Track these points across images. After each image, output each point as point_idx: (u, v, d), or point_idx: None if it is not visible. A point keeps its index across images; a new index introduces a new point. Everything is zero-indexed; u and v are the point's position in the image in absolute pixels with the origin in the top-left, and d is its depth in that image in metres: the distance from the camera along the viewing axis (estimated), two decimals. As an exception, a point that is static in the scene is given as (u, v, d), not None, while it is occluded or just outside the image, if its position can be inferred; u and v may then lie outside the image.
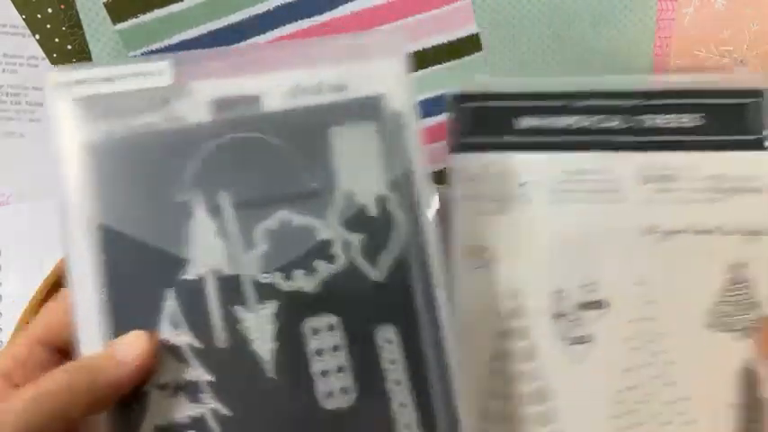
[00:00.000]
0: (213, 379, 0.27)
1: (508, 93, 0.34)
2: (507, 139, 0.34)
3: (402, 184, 0.29)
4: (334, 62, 0.29)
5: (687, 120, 0.33)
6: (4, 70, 0.60)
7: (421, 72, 0.41)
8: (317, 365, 0.28)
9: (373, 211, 0.29)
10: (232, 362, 0.27)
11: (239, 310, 0.28)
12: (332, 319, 0.28)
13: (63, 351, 0.29)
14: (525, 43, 0.40)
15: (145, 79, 0.29)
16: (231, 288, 0.28)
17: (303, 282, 0.28)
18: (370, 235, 0.29)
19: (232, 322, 0.28)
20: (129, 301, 0.28)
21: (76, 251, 0.29)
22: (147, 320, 0.27)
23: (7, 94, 0.60)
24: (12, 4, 0.38)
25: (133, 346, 0.27)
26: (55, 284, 0.45)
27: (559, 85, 0.34)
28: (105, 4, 0.39)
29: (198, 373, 0.27)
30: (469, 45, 0.40)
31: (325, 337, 0.28)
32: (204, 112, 0.29)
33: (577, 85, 0.34)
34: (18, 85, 0.61)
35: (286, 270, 0.28)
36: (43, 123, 0.60)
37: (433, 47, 0.41)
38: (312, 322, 0.28)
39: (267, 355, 0.28)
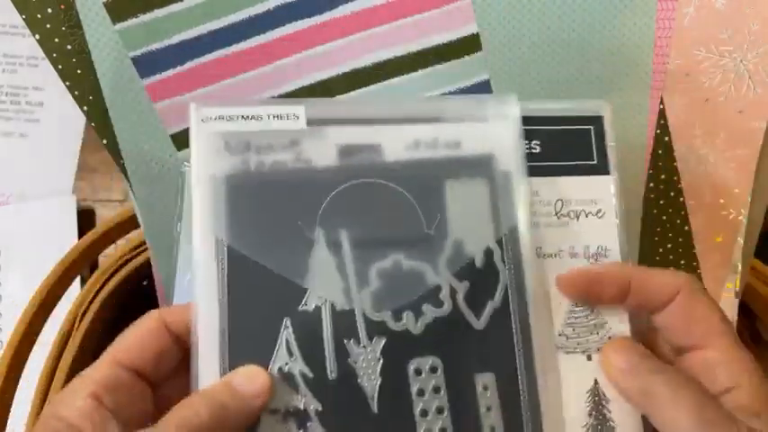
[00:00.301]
0: (321, 408, 0.29)
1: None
2: None
3: (508, 240, 0.31)
4: (452, 120, 0.32)
5: (527, 147, 0.34)
6: (4, 70, 0.60)
7: (421, 72, 0.41)
8: (418, 405, 0.29)
9: (480, 262, 0.31)
10: (340, 393, 0.29)
11: (350, 345, 0.29)
12: (435, 361, 0.30)
13: (142, 374, 0.30)
14: (525, 43, 0.40)
15: (281, 121, 0.31)
16: (344, 322, 0.30)
17: (411, 323, 0.30)
18: (475, 284, 0.30)
19: (343, 355, 0.29)
20: (250, 326, 0.29)
21: (203, 272, 0.30)
22: (265, 346, 0.29)
23: (7, 94, 0.60)
24: (12, 4, 0.38)
25: (255, 382, 0.28)
26: (55, 285, 0.45)
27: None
28: (105, 4, 0.39)
29: (308, 401, 0.29)
30: (469, 45, 0.40)
31: (427, 379, 0.30)
32: (331, 155, 0.31)
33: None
34: (18, 85, 0.61)
35: (396, 310, 0.30)
36: (43, 123, 0.60)
37: (433, 47, 0.41)
38: (417, 363, 0.30)
39: (373, 390, 0.29)
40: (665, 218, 0.43)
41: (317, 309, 0.29)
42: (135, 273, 0.48)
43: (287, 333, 0.29)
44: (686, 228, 0.43)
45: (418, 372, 0.29)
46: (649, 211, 0.43)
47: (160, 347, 0.30)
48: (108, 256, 0.50)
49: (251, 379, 0.28)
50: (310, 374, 0.29)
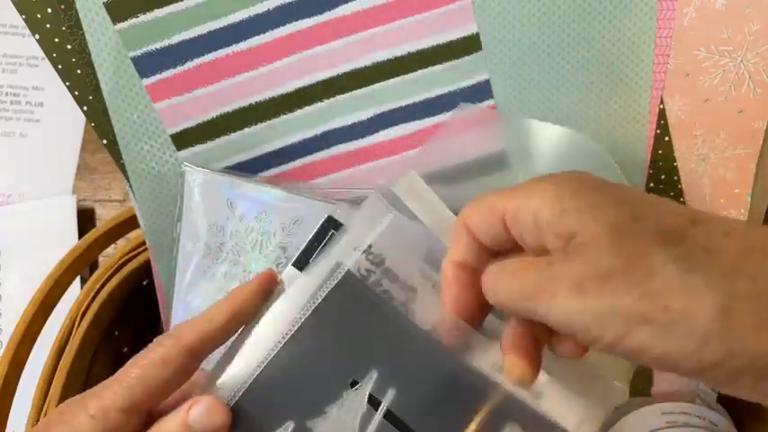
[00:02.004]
0: None
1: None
2: None
3: None
4: None
5: None
6: (4, 70, 0.60)
7: (421, 72, 0.41)
8: None
9: None
10: None
11: None
12: None
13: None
14: (525, 43, 0.40)
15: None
16: None
17: None
18: None
19: None
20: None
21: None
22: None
23: (7, 94, 0.60)
24: (12, 4, 0.38)
25: (211, 416, 0.28)
26: (55, 285, 0.45)
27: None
28: (105, 4, 0.39)
29: None
30: (469, 45, 0.40)
31: None
32: None
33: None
34: (18, 85, 0.61)
35: None
36: (43, 123, 0.60)
37: (433, 47, 0.41)
38: None
39: None
40: (665, 218, 0.43)
41: None
42: (135, 273, 0.48)
43: None
44: (686, 228, 0.43)
45: None
46: (649, 211, 0.43)
47: (180, 388, 0.30)
48: (108, 256, 0.50)
49: (207, 416, 0.28)
50: None
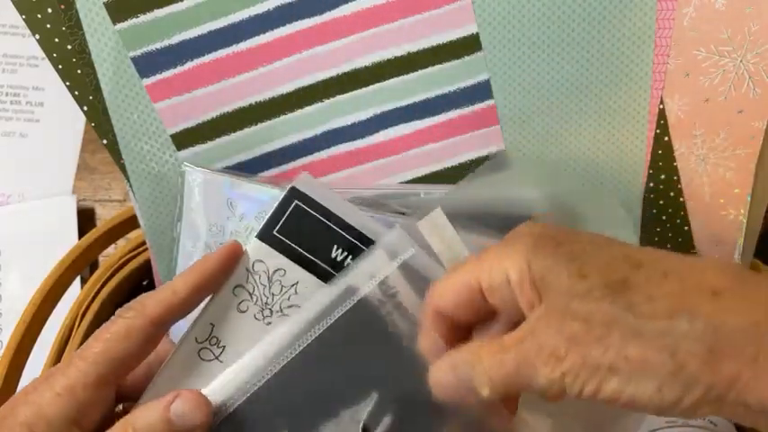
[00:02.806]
0: None
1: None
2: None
3: None
4: None
5: None
6: (4, 70, 0.60)
7: (421, 72, 0.41)
8: None
9: None
10: None
11: None
12: None
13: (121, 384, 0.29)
14: (525, 43, 0.40)
15: None
16: None
17: None
18: None
19: None
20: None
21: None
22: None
23: (7, 94, 0.60)
24: (12, 4, 0.38)
25: (194, 413, 0.28)
26: (55, 285, 0.45)
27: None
28: (105, 4, 0.39)
29: None
30: (469, 45, 0.40)
31: None
32: None
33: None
34: (18, 85, 0.61)
35: None
36: (43, 123, 0.60)
37: (433, 47, 0.41)
38: None
39: None
40: (664, 218, 0.43)
41: None
42: (135, 273, 0.48)
43: None
44: (686, 228, 0.43)
45: None
46: (649, 211, 0.43)
47: (147, 359, 0.30)
48: (108, 256, 0.50)
49: (191, 410, 0.28)
50: None
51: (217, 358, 0.30)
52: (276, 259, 0.32)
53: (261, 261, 0.32)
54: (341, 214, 0.32)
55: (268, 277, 0.32)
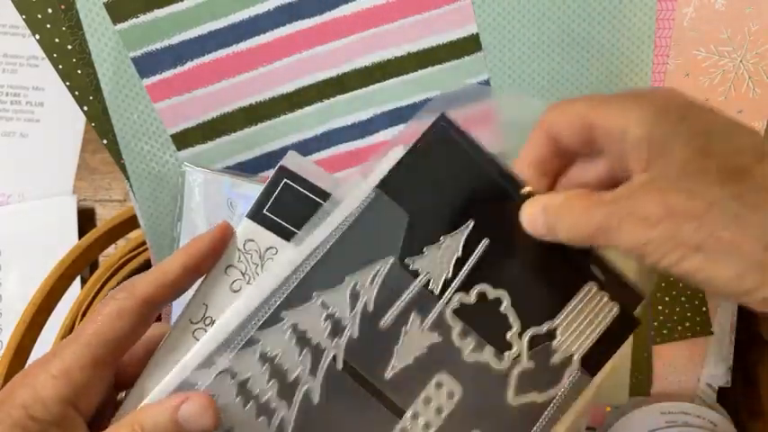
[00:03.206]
0: None
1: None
2: None
3: None
4: None
5: None
6: (4, 70, 0.60)
7: (421, 72, 0.41)
8: None
9: None
10: None
11: None
12: None
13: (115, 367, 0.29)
14: (525, 43, 0.40)
15: None
16: None
17: None
18: None
19: None
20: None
21: None
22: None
23: (7, 94, 0.60)
24: (12, 4, 0.38)
25: (203, 418, 0.28)
26: (55, 285, 0.45)
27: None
28: (105, 4, 0.39)
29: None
30: (469, 45, 0.40)
31: None
32: None
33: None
34: (18, 85, 0.61)
35: None
36: (43, 123, 0.60)
37: (433, 47, 0.41)
38: None
39: None
40: (664, 218, 0.43)
41: None
42: (135, 273, 0.48)
43: None
44: (686, 228, 0.43)
45: None
46: (649, 211, 0.43)
47: (146, 344, 0.30)
48: (108, 255, 0.50)
49: (199, 416, 0.27)
50: None
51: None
52: (267, 238, 0.32)
53: (252, 240, 0.32)
54: (330, 190, 0.32)
55: (260, 256, 0.32)
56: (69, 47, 0.39)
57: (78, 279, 0.50)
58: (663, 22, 0.40)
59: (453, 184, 0.30)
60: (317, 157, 0.43)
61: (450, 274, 0.30)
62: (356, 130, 0.42)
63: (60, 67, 0.40)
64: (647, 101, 0.26)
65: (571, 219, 0.27)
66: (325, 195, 0.32)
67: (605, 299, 0.30)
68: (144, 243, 0.45)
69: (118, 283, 0.47)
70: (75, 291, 0.47)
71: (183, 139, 0.42)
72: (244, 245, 0.32)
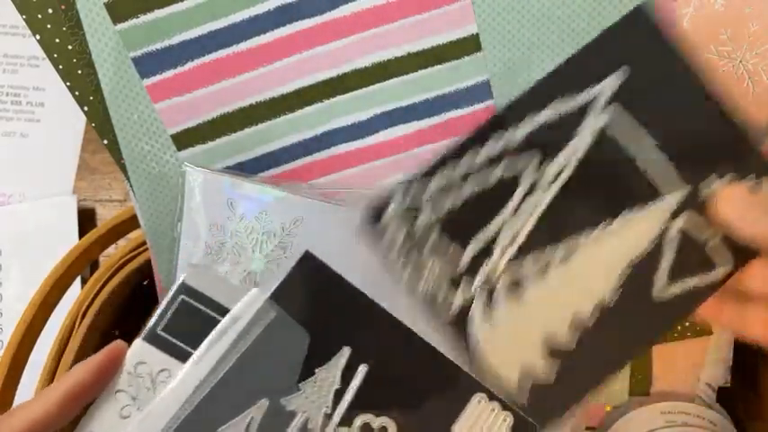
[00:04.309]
0: None
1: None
2: None
3: None
4: None
5: None
6: (4, 70, 0.60)
7: (421, 72, 0.41)
8: None
9: None
10: None
11: None
12: None
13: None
14: (525, 43, 0.40)
15: None
16: None
17: None
18: None
19: None
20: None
21: None
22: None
23: (7, 94, 0.60)
24: (12, 4, 0.38)
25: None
26: (55, 285, 0.45)
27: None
28: (105, 4, 0.39)
29: None
30: (469, 45, 0.41)
31: None
32: None
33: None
34: (18, 85, 0.61)
35: None
36: (43, 123, 0.60)
37: (433, 47, 0.41)
38: None
39: None
40: (664, 218, 0.43)
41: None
42: (135, 273, 0.48)
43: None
44: (686, 228, 0.43)
45: None
46: (649, 212, 0.43)
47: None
48: (108, 256, 0.50)
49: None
50: None
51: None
52: (160, 360, 0.31)
53: (143, 363, 0.31)
54: (228, 304, 0.31)
55: (152, 379, 0.30)
56: (69, 47, 0.39)
57: (78, 279, 0.50)
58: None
59: (324, 313, 0.29)
60: (317, 157, 0.43)
61: (329, 409, 0.28)
62: (356, 130, 0.42)
63: (60, 67, 0.40)
64: None
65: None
66: (223, 311, 0.31)
67: (497, 409, 0.29)
68: (144, 243, 0.45)
69: (118, 283, 0.47)
70: (75, 291, 0.47)
71: (183, 139, 0.42)
72: (135, 367, 0.30)
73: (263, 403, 0.28)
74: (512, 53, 0.41)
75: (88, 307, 0.46)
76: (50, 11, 0.39)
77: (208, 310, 0.31)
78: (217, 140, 0.42)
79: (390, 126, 0.42)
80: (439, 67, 0.41)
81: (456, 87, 0.41)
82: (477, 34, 0.40)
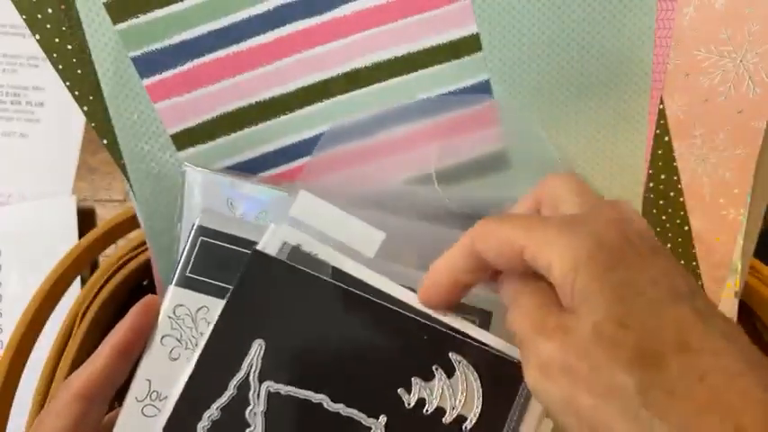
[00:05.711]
0: None
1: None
2: None
3: None
4: None
5: None
6: (4, 70, 0.60)
7: (421, 72, 0.41)
8: None
9: None
10: None
11: None
12: None
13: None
14: (525, 43, 0.40)
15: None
16: None
17: None
18: None
19: None
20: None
21: None
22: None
23: (7, 94, 0.60)
24: (11, 4, 0.38)
25: None
26: (55, 285, 0.45)
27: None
28: (105, 5, 0.39)
29: None
30: (469, 45, 0.40)
31: None
32: None
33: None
34: (18, 85, 0.61)
35: None
36: (43, 123, 0.60)
37: (433, 47, 0.41)
38: None
39: None
40: (664, 218, 0.43)
41: None
42: (135, 273, 0.48)
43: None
44: (686, 228, 0.43)
45: None
46: (649, 211, 0.43)
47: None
48: (108, 256, 0.50)
49: None
50: None
51: (161, 411, 0.30)
52: (196, 299, 0.32)
53: (181, 305, 0.32)
54: (248, 236, 0.33)
55: (192, 318, 0.32)
56: (69, 47, 0.39)
57: (78, 279, 0.50)
58: (663, 22, 0.40)
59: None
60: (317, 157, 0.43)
61: None
62: (356, 130, 0.42)
63: (60, 67, 0.40)
64: (580, 236, 0.24)
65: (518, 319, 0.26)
66: (245, 242, 0.32)
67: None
68: (144, 243, 0.45)
69: (118, 283, 0.47)
70: (75, 291, 0.47)
71: (183, 139, 0.42)
72: (174, 311, 0.32)
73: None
74: (512, 53, 0.40)
75: (88, 307, 0.46)
76: (50, 10, 0.39)
77: (229, 245, 0.33)
78: (217, 140, 0.42)
79: (391, 126, 0.42)
80: (439, 66, 0.41)
81: (456, 87, 0.41)
82: (478, 34, 0.40)
